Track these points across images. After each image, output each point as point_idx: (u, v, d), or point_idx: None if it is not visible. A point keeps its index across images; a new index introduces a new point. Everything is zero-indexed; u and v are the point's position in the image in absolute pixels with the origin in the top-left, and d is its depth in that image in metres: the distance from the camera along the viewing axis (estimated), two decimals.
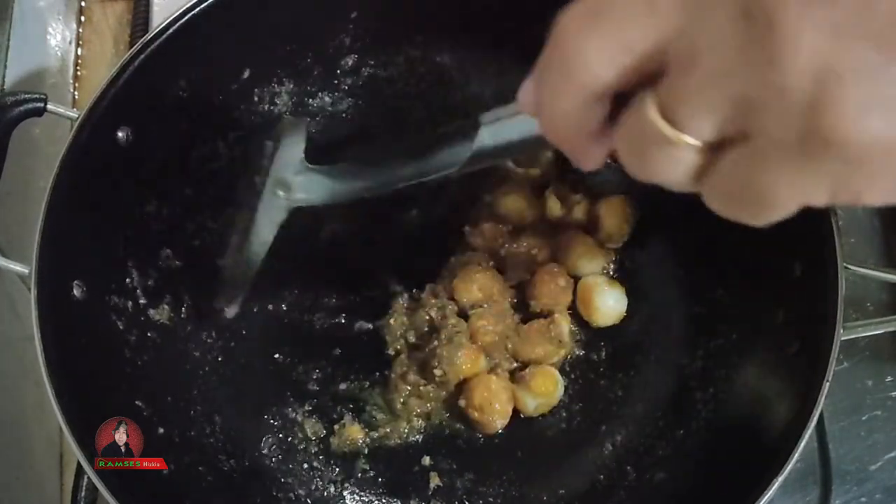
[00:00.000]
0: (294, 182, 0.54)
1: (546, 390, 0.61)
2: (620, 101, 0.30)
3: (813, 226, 0.51)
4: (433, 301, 0.63)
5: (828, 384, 0.48)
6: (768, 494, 0.46)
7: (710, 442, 0.57)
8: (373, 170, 0.53)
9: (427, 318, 0.63)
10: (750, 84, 0.25)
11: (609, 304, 0.63)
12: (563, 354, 0.63)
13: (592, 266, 0.65)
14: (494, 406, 0.60)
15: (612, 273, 0.65)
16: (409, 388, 0.61)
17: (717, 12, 0.25)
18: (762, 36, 0.24)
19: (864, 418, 0.65)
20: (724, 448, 0.55)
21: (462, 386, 0.61)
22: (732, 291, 0.60)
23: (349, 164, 0.55)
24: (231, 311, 0.60)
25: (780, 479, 0.46)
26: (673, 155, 0.27)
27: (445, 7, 0.64)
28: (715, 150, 0.27)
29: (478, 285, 0.63)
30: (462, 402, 0.61)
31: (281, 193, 0.55)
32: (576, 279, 0.65)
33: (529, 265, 0.65)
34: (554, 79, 0.30)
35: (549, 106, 0.31)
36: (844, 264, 0.50)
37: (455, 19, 0.65)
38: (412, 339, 0.63)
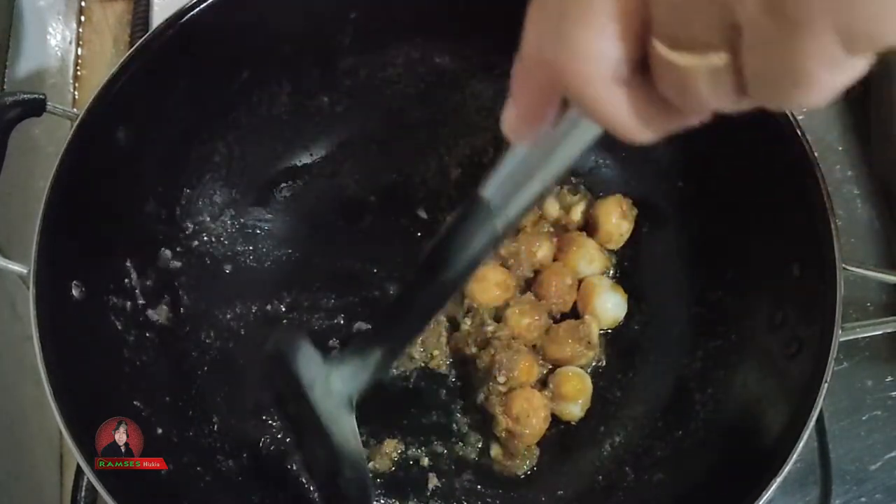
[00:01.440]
0: (335, 383, 0.50)
1: (580, 390, 0.60)
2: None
3: (812, 226, 0.51)
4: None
5: (826, 385, 0.48)
6: (767, 495, 0.46)
7: (709, 443, 0.57)
8: (394, 332, 0.49)
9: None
10: None
11: (607, 308, 0.63)
12: (591, 356, 0.63)
13: (592, 268, 0.64)
14: (532, 420, 0.58)
15: (615, 275, 0.66)
16: None
17: None
18: None
19: (864, 418, 0.65)
20: (723, 449, 0.55)
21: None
22: (732, 292, 0.60)
23: (368, 340, 0.50)
24: None
25: (779, 479, 0.46)
26: (706, 76, 0.27)
27: (445, 8, 0.64)
28: (735, 52, 0.27)
29: (494, 282, 0.62)
30: (499, 410, 0.60)
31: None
32: (579, 281, 0.65)
33: (531, 264, 0.64)
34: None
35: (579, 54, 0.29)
36: (843, 265, 0.50)
37: (455, 20, 0.65)
38: None
